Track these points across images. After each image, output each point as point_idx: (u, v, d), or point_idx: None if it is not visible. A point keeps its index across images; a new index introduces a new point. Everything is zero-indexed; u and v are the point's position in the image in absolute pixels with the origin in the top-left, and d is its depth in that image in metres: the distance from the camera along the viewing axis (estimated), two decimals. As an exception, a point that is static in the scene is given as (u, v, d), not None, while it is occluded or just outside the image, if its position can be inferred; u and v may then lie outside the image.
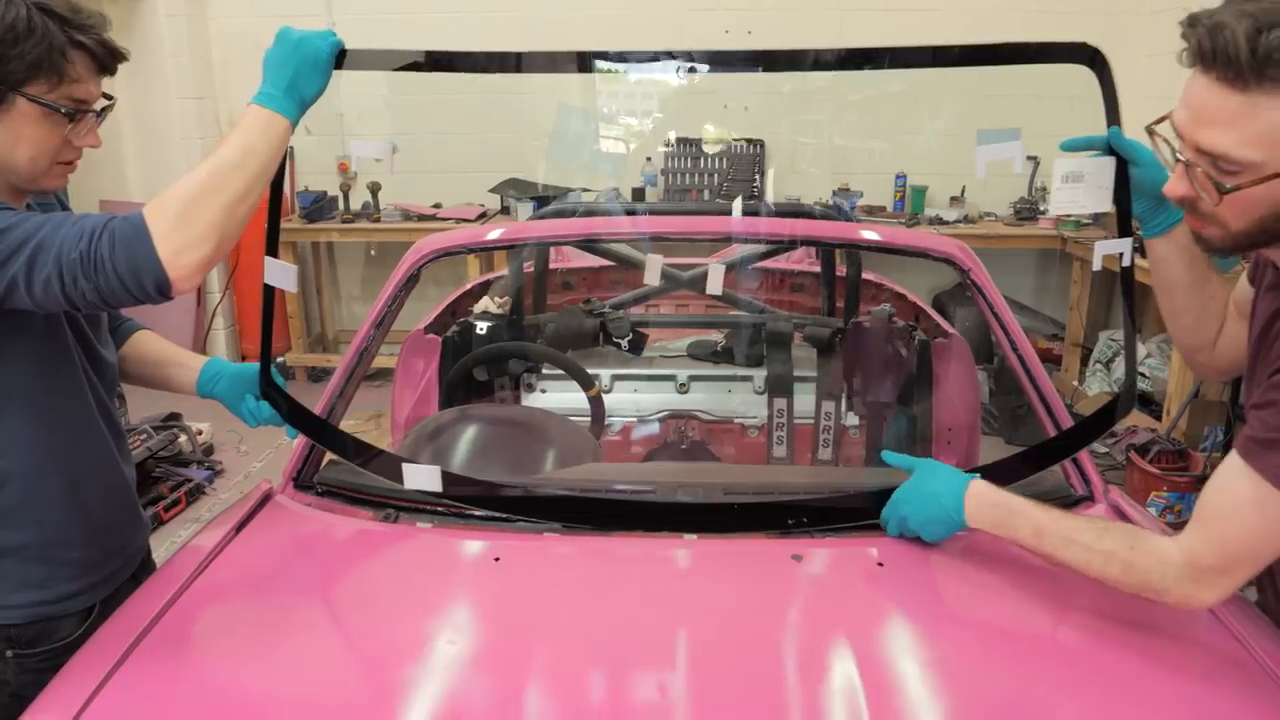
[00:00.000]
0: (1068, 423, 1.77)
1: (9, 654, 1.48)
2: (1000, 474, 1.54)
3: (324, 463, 1.83)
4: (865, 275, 2.95)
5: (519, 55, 1.59)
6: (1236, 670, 1.25)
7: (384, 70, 1.57)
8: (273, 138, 1.33)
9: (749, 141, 5.70)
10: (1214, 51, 1.06)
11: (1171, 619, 1.33)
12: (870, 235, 2.34)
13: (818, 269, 3.34)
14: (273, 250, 1.59)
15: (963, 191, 5.54)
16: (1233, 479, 1.19)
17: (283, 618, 1.37)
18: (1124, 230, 1.50)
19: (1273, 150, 1.07)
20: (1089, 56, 1.45)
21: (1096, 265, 1.62)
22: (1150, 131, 1.27)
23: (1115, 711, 1.19)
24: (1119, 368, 5.26)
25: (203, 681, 1.26)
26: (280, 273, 1.57)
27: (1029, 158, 5.70)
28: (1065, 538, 1.30)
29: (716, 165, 5.74)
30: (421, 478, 1.61)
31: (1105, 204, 1.44)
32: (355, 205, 5.49)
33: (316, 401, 1.90)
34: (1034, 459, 1.66)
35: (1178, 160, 1.17)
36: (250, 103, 1.35)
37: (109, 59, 1.38)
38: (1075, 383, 5.23)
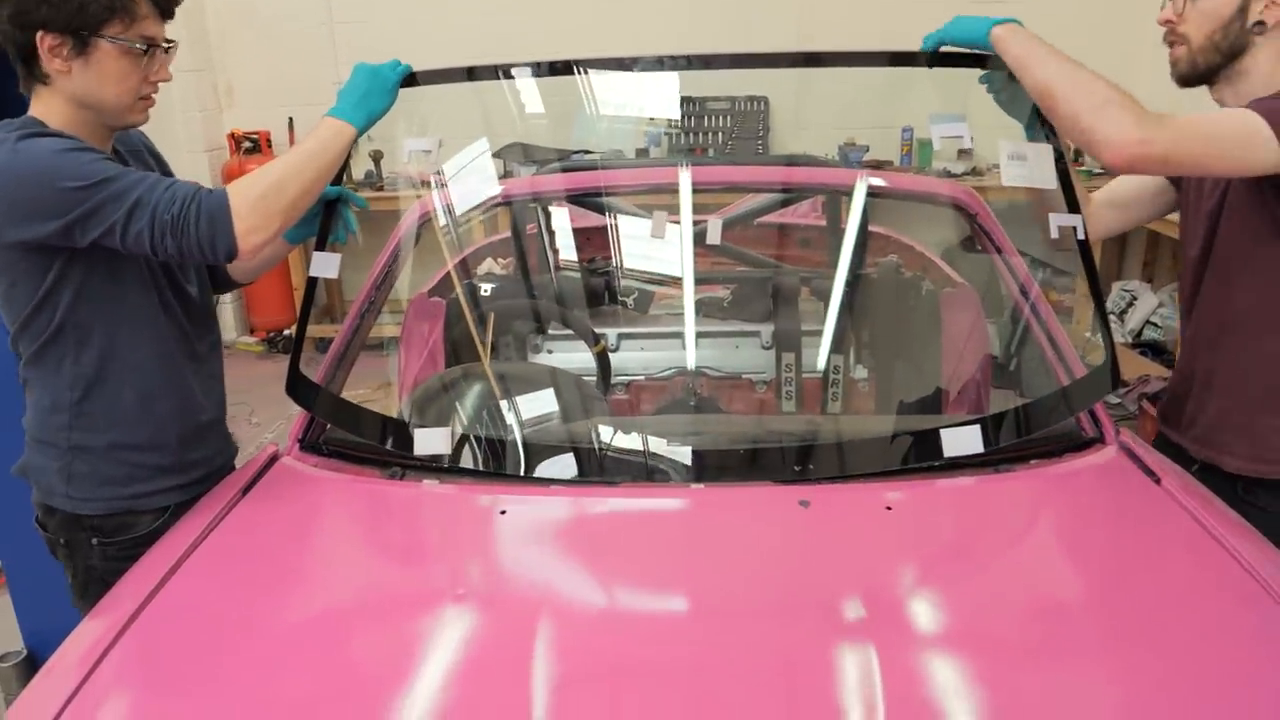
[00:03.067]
0: (1080, 371, 1.75)
1: (94, 541, 1.72)
2: (1002, 429, 1.54)
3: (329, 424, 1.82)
4: (872, 229, 2.91)
5: (566, 62, 1.83)
6: (1254, 612, 1.24)
7: (448, 84, 1.84)
8: (339, 142, 1.61)
9: (752, 99, 5.63)
10: None
11: (1183, 557, 1.32)
12: (876, 182, 2.31)
13: (823, 223, 3.30)
14: (321, 245, 1.76)
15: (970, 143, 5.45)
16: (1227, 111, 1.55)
17: (291, 574, 1.38)
18: (1073, 207, 1.65)
19: None
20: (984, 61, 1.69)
21: (1054, 234, 1.68)
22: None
23: (1125, 649, 1.18)
24: (1133, 318, 5.22)
25: (212, 637, 1.26)
26: (326, 263, 1.75)
27: (1037, 107, 5.61)
28: (1075, 61, 1.52)
29: (721, 124, 5.68)
30: (431, 442, 1.62)
31: (1051, 182, 1.64)
32: (358, 175, 5.46)
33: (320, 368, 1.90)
34: (1035, 416, 1.64)
35: None
36: (324, 116, 1.62)
37: (167, 2, 1.60)
38: (1088, 334, 5.19)
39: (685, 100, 5.58)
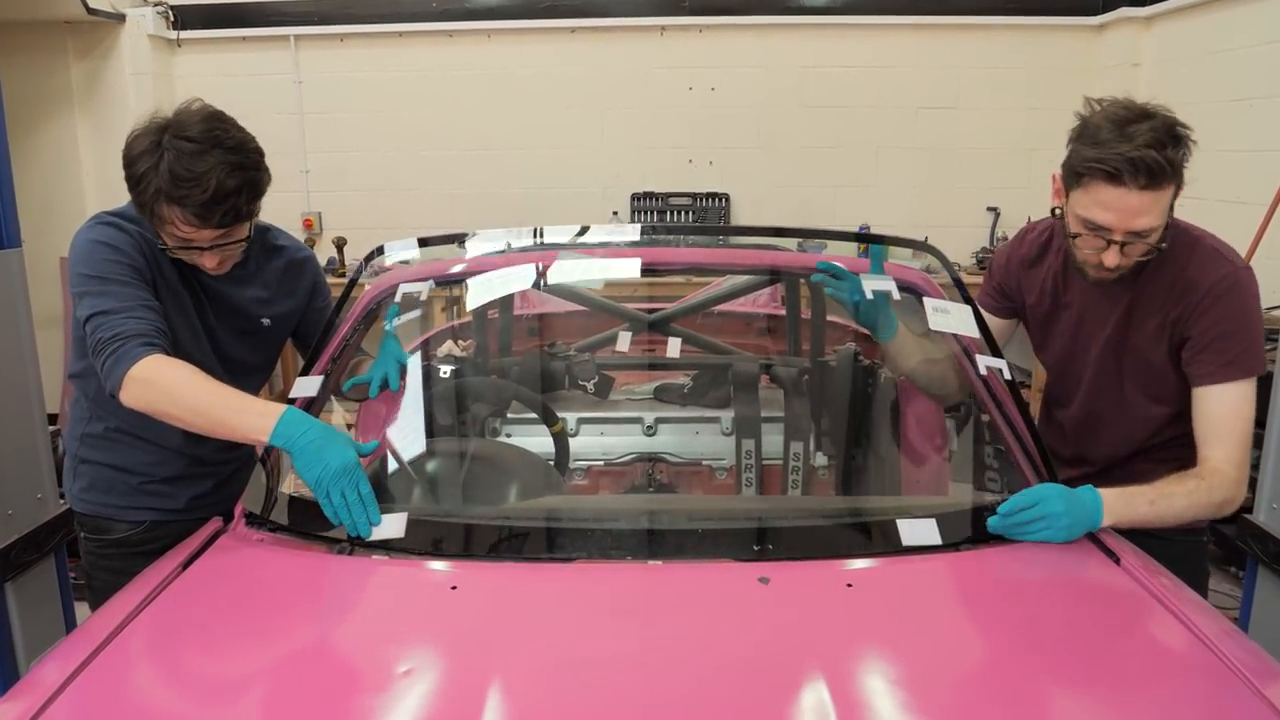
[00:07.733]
0: (1037, 455, 1.76)
1: (82, 534, 2.10)
2: (960, 523, 1.55)
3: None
4: (830, 318, 2.94)
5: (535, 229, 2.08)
6: (1216, 687, 1.23)
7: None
8: (247, 434, 1.63)
9: (714, 195, 5.77)
10: (1137, 171, 1.66)
11: (1140, 631, 1.31)
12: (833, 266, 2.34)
13: (783, 312, 3.34)
14: (307, 371, 1.91)
15: (925, 241, 5.61)
16: (1221, 397, 1.76)
17: (231, 650, 1.32)
18: (995, 352, 1.87)
19: (1165, 215, 1.76)
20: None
21: (981, 370, 1.88)
22: (1055, 211, 1.88)
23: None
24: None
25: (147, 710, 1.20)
26: (307, 385, 1.87)
27: (989, 209, 5.83)
28: (1166, 493, 1.69)
29: (683, 219, 5.80)
30: (387, 526, 1.57)
31: (973, 332, 1.88)
32: (321, 261, 5.46)
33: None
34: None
35: (1111, 243, 1.76)
36: (284, 408, 1.62)
37: (202, 213, 1.73)
38: (1042, 429, 5.24)
39: (649, 195, 5.71)
